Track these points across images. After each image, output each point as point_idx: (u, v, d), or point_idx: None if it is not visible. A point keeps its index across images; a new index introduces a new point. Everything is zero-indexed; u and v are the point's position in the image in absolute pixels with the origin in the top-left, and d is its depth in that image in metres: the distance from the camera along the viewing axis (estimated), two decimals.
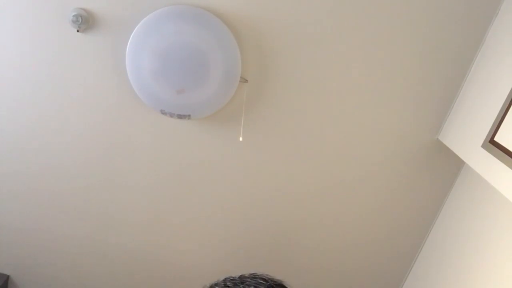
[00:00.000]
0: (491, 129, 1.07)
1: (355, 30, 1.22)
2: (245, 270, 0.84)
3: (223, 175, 1.45)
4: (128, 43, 1.20)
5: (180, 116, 1.29)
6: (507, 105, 1.02)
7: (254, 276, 0.67)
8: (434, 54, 1.25)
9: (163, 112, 1.29)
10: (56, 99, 1.35)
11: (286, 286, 0.69)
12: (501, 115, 1.03)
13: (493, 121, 1.07)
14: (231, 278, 0.68)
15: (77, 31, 1.23)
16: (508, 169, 0.96)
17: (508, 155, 0.97)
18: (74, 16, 1.19)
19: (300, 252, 1.59)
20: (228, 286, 0.65)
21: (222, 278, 0.69)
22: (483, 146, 1.08)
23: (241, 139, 1.36)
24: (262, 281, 0.65)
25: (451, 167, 1.41)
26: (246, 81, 1.29)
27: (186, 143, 1.40)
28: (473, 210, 1.30)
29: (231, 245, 1.59)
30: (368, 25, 1.22)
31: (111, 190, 1.49)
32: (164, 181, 1.47)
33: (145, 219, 1.55)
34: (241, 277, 0.68)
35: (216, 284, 0.67)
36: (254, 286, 0.63)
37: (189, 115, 1.28)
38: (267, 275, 0.69)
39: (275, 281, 0.67)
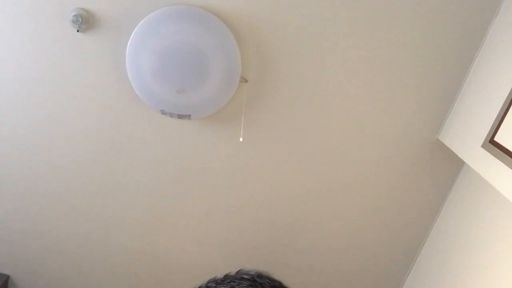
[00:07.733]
0: (491, 129, 1.07)
1: (355, 30, 1.22)
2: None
3: (223, 175, 1.45)
4: (128, 43, 1.20)
5: (180, 116, 1.29)
6: (507, 105, 1.02)
7: (238, 272, 0.65)
8: (434, 54, 1.25)
9: (163, 112, 1.29)
10: (56, 99, 1.35)
11: (275, 278, 0.67)
12: (501, 115, 1.03)
13: (493, 121, 1.07)
14: (214, 279, 0.66)
15: (77, 31, 1.23)
16: (508, 169, 0.96)
17: (508, 155, 0.97)
18: (74, 16, 1.19)
19: (300, 252, 1.59)
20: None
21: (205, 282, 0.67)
22: (483, 146, 1.08)
23: (241, 139, 1.36)
24: (245, 276, 0.63)
25: (451, 167, 1.41)
26: (246, 81, 1.29)
27: (186, 143, 1.40)
28: (473, 210, 1.30)
29: (231, 245, 1.59)
30: (368, 25, 1.22)
31: (111, 190, 1.49)
32: (164, 181, 1.47)
33: (145, 219, 1.55)
34: (226, 276, 0.66)
35: None
36: (238, 281, 0.62)
37: (189, 115, 1.28)
38: (254, 270, 0.66)
39: (260, 273, 0.65)
